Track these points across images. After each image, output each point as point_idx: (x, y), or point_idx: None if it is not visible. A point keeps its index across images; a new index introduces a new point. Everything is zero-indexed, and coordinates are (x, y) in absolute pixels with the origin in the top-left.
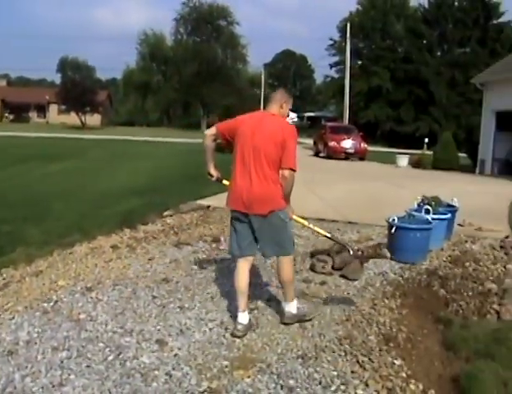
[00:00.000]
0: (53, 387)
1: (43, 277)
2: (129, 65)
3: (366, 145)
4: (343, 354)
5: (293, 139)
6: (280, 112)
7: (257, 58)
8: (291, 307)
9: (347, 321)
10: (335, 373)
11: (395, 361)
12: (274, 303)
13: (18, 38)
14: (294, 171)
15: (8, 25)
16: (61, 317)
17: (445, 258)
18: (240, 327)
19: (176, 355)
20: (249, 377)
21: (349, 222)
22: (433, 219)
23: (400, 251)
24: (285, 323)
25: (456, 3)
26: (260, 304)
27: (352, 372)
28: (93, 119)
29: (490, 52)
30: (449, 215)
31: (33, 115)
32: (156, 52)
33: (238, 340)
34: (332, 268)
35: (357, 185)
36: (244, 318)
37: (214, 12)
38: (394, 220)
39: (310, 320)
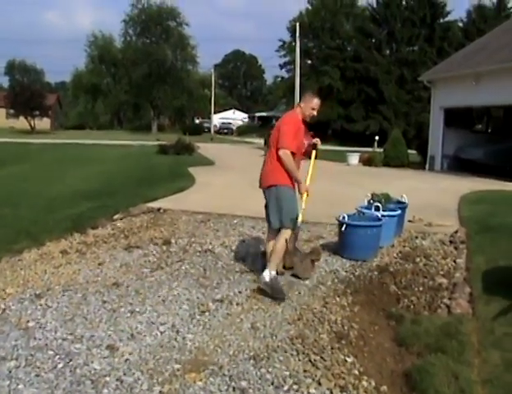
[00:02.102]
0: None
1: None
2: (78, 67)
3: None
4: (295, 353)
5: (285, 125)
6: (301, 109)
7: (207, 59)
8: (265, 274)
9: (299, 320)
10: (287, 372)
11: (348, 359)
12: (226, 304)
13: None
14: (287, 150)
15: None
16: (9, 325)
17: (395, 255)
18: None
19: (127, 360)
20: (201, 380)
21: None
22: (383, 216)
23: (350, 249)
24: (259, 289)
25: (404, 2)
26: (211, 305)
27: (304, 371)
28: (43, 123)
29: (437, 51)
30: (399, 211)
31: None
32: (105, 55)
33: (189, 342)
34: (284, 267)
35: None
36: (265, 273)
37: (163, 13)
38: (344, 218)
39: (282, 300)
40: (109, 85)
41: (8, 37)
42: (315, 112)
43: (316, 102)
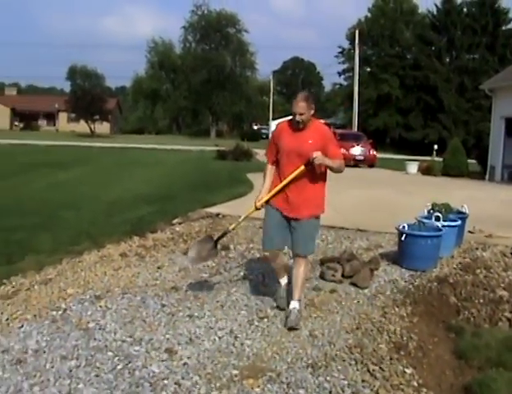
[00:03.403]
0: None
1: (52, 286)
2: (138, 73)
3: (375, 152)
4: (353, 362)
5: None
6: None
7: (265, 66)
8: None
9: (357, 329)
10: (345, 382)
11: (406, 370)
12: (283, 311)
13: (28, 47)
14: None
15: (19, 34)
16: (69, 325)
17: (455, 266)
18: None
19: (185, 363)
20: (258, 386)
21: (359, 230)
22: (443, 226)
23: (410, 258)
24: (290, 328)
25: (465, 10)
26: (270, 312)
27: (363, 381)
28: (103, 127)
29: (499, 59)
30: (459, 222)
31: (42, 123)
32: (165, 61)
33: (247, 348)
34: (342, 275)
35: (366, 192)
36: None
37: (223, 20)
38: (404, 227)
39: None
40: (168, 91)
41: (70, 43)
42: (297, 118)
43: (293, 103)
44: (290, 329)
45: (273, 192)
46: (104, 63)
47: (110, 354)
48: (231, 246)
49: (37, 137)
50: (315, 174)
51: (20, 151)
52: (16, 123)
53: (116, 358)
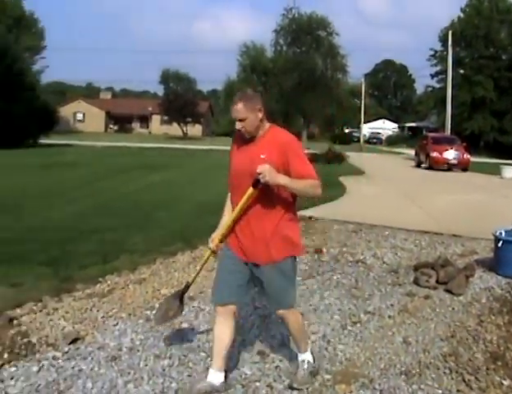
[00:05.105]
0: None
1: (146, 285)
2: (230, 76)
3: (469, 156)
4: (448, 371)
5: None
6: None
7: (357, 68)
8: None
9: (452, 337)
10: (439, 391)
11: (504, 381)
12: (377, 316)
13: (122, 53)
14: None
15: (112, 39)
16: (163, 325)
17: None
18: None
19: (277, 366)
20: (350, 392)
21: (453, 235)
22: None
23: (507, 266)
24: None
25: None
26: (363, 317)
27: (458, 391)
28: (195, 129)
29: None
30: None
31: (136, 126)
32: (256, 64)
33: (340, 353)
34: (437, 281)
35: (460, 197)
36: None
37: (313, 23)
38: (501, 233)
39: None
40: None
41: (164, 48)
42: (237, 125)
43: (231, 108)
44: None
45: (223, 229)
46: (196, 67)
47: (203, 354)
48: (324, 249)
49: (130, 139)
50: (274, 199)
51: (114, 153)
52: (111, 126)
53: (209, 358)
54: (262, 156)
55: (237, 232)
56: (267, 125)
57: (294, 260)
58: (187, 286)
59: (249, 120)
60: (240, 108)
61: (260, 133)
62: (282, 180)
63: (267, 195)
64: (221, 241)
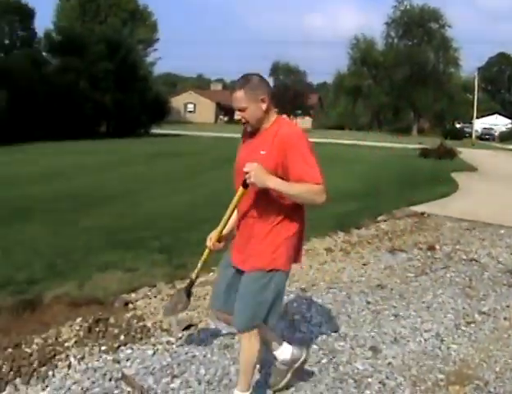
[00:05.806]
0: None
1: None
2: (339, 69)
3: None
4: None
5: None
6: None
7: (470, 62)
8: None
9: None
10: None
11: None
12: (492, 317)
13: (233, 45)
14: None
15: (224, 32)
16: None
17: None
18: None
19: (389, 363)
20: None
21: None
22: None
23: None
24: None
25: None
26: (477, 317)
27: None
28: (305, 122)
29: None
30: None
31: None
32: (367, 57)
33: (454, 353)
34: None
35: None
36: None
37: (425, 15)
38: None
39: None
40: (370, 87)
41: (273, 40)
42: (237, 115)
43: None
44: None
45: (219, 228)
46: (306, 59)
47: (315, 347)
48: (437, 246)
49: (239, 131)
50: (271, 202)
51: (222, 145)
52: (221, 117)
53: (321, 351)
54: (262, 152)
55: (237, 233)
56: (273, 117)
57: (279, 277)
58: (191, 283)
59: (249, 110)
60: (239, 97)
61: (264, 126)
62: (272, 182)
63: (264, 195)
64: (218, 240)
